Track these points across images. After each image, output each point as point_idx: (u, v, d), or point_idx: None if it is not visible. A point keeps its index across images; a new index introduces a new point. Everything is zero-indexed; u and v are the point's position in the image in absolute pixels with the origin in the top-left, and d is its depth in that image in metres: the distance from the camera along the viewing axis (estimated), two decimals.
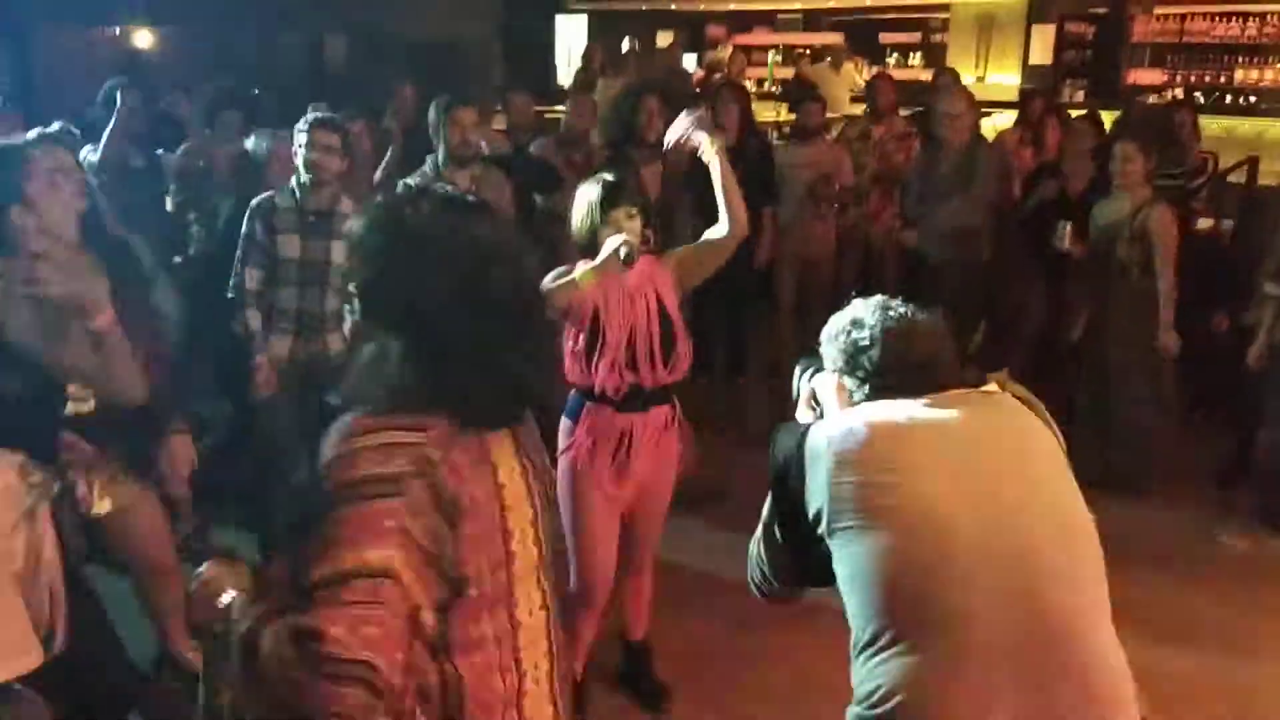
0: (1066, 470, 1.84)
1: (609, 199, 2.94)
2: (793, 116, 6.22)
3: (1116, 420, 4.86)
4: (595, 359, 2.95)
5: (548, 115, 7.50)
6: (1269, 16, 9.74)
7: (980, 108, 6.06)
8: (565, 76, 11.87)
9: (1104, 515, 4.79)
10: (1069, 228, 4.72)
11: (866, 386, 1.88)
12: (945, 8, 10.54)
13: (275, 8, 7.92)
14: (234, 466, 4.22)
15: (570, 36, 12.39)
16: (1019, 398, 1.88)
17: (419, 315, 1.54)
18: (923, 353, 1.87)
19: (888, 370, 1.86)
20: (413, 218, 1.59)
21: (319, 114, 3.88)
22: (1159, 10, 10.34)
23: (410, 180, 4.29)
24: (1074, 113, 6.61)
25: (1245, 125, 8.81)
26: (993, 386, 1.89)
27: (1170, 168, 5.45)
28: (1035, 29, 10.11)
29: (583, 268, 2.85)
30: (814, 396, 1.97)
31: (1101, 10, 10.65)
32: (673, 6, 11.89)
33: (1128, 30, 10.61)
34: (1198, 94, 10.01)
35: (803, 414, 1.99)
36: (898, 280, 6.02)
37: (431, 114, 4.41)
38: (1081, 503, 1.84)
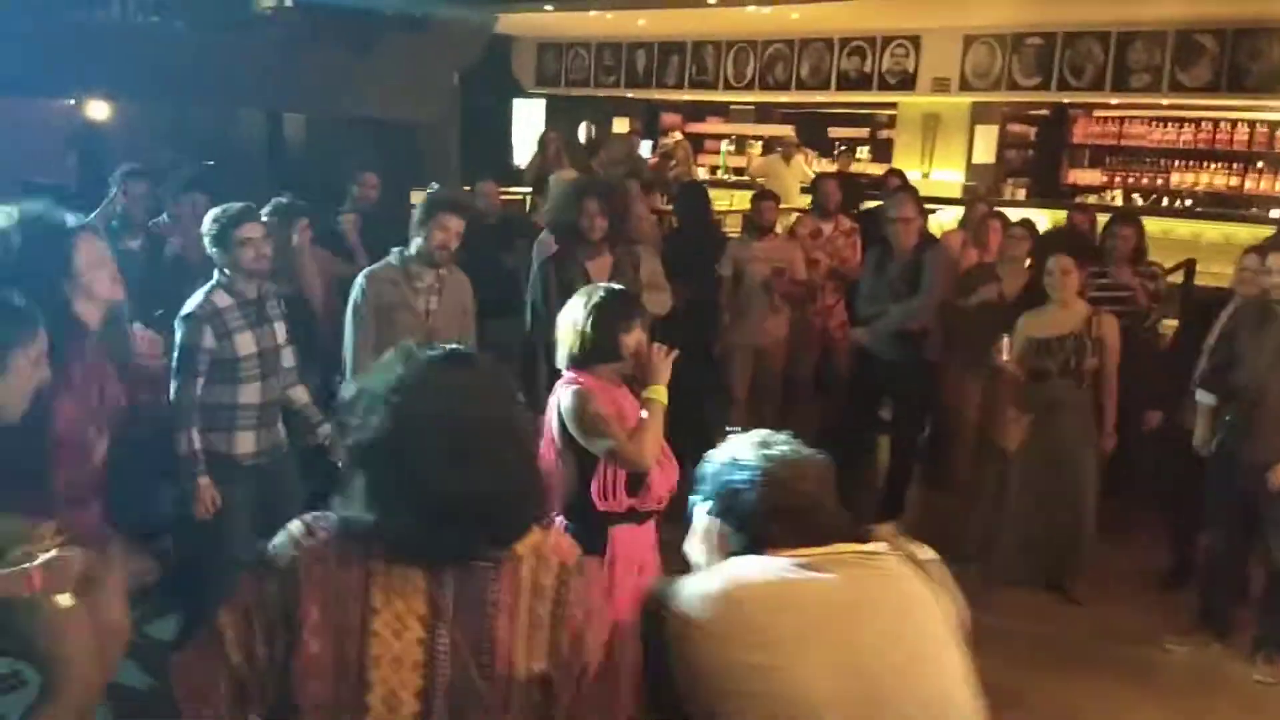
0: (951, 646, 1.71)
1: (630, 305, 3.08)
2: (745, 205, 6.39)
3: (1058, 527, 4.91)
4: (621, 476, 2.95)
5: (504, 196, 7.58)
6: (1203, 123, 10.17)
7: (925, 208, 6.24)
8: (522, 158, 12.03)
9: (1050, 620, 4.85)
10: (1008, 341, 4.82)
11: (742, 535, 1.74)
12: (892, 105, 10.84)
13: (233, 83, 7.93)
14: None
15: (528, 119, 12.58)
16: (908, 557, 1.75)
17: (393, 459, 1.51)
18: (803, 499, 1.73)
19: (765, 518, 1.71)
20: (411, 383, 1.54)
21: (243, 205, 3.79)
22: (1098, 114, 10.75)
23: (377, 269, 4.30)
24: (1014, 212, 6.82)
25: (1182, 227, 9.10)
26: (879, 545, 1.75)
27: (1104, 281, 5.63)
28: (979, 129, 10.43)
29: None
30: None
31: (1043, 112, 11.04)
32: (629, 94, 12.11)
33: (1068, 132, 11.02)
34: (1135, 195, 10.40)
35: (693, 548, 1.86)
36: (850, 378, 6.10)
37: (419, 211, 4.36)
38: (965, 682, 1.71)
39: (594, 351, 2.99)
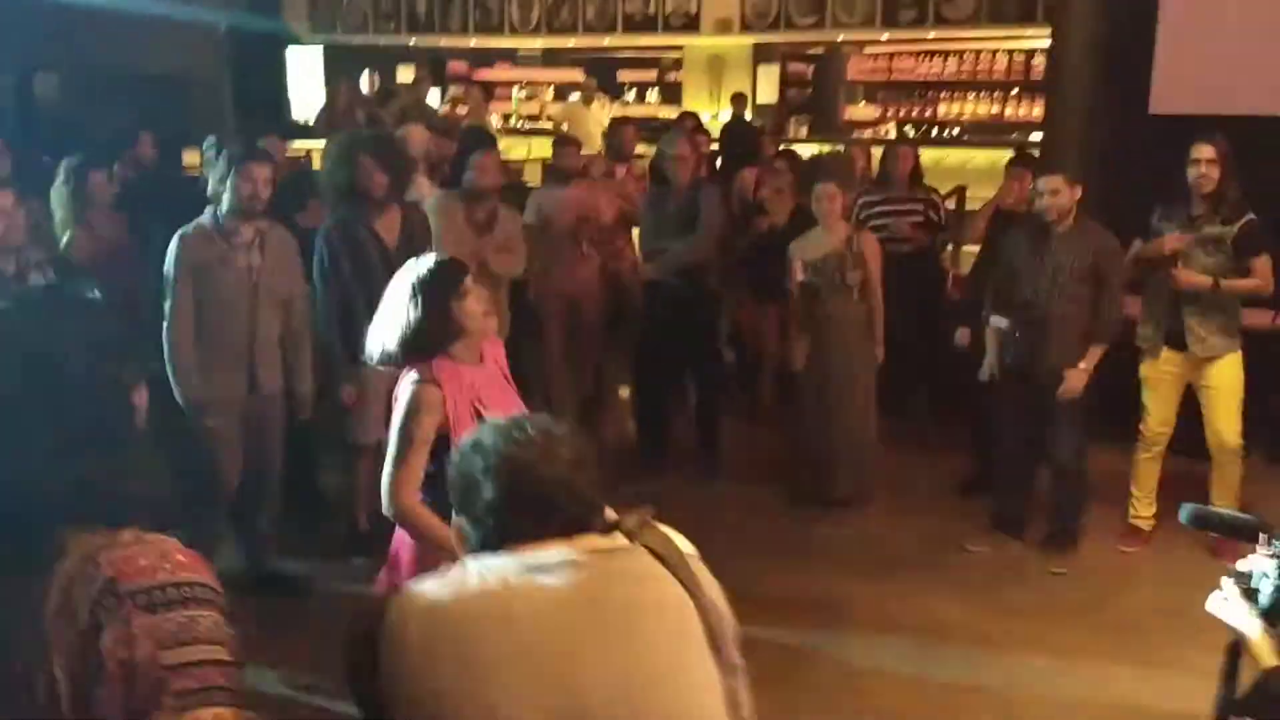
0: (696, 656, 1.53)
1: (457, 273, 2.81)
2: (544, 153, 6.34)
3: (845, 441, 5.20)
4: None
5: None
6: (965, 55, 10.75)
7: (703, 150, 6.40)
8: (300, 111, 11.48)
9: (856, 532, 5.09)
10: (800, 263, 5.08)
11: (478, 529, 1.56)
12: (679, 48, 10.96)
13: None
14: None
15: (304, 70, 11.99)
16: (654, 552, 1.57)
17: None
18: (546, 485, 1.54)
19: (501, 508, 1.54)
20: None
21: None
22: (869, 50, 11.20)
23: (189, 230, 4.08)
24: (801, 150, 7.10)
25: (951, 156, 9.65)
26: (622, 540, 1.57)
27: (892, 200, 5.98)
28: (761, 69, 10.70)
29: None
30: None
31: (819, 51, 11.41)
32: (412, 42, 11.74)
33: (843, 69, 11.44)
34: (908, 127, 10.92)
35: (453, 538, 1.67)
36: (646, 316, 6.20)
37: (221, 163, 4.15)
38: (710, 696, 1.54)
39: (427, 333, 2.74)
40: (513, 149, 9.81)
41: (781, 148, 6.86)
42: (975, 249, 6.33)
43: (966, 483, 5.39)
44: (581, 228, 5.84)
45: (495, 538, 1.54)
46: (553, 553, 1.50)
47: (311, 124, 9.87)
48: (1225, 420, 4.63)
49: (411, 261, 2.86)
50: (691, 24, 10.46)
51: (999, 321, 4.72)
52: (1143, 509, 4.87)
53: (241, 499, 4.36)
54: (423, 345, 2.74)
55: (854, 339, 5.12)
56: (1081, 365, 4.50)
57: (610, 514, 1.61)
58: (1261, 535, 1.82)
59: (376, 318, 2.84)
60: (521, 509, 1.53)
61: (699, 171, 5.87)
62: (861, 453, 5.22)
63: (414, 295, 2.74)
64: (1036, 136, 9.59)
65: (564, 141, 6.04)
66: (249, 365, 4.18)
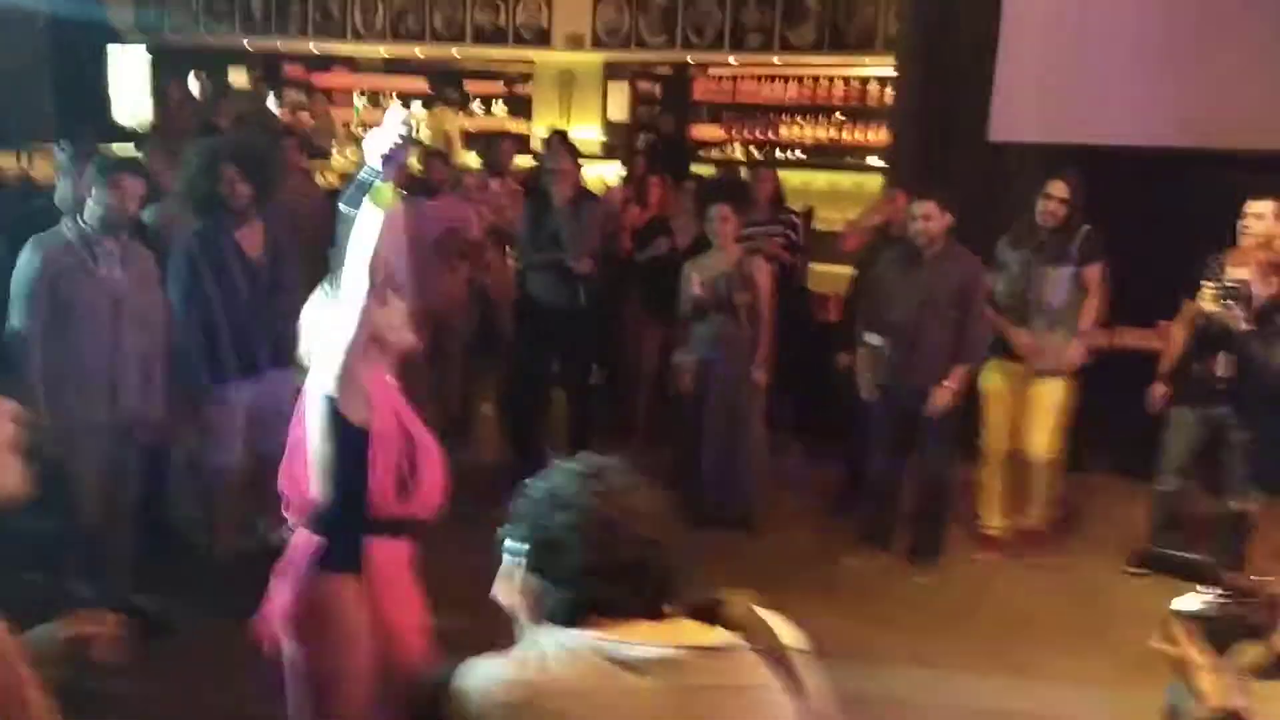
0: None
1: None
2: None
3: (735, 464, 5.26)
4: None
5: None
6: (804, 80, 11.09)
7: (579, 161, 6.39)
8: (121, 113, 10.81)
9: (739, 552, 5.17)
10: (696, 278, 5.12)
11: (561, 595, 1.42)
12: (529, 62, 10.89)
13: None
14: None
15: (127, 69, 11.31)
16: (766, 651, 1.44)
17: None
18: (637, 550, 1.42)
19: (593, 574, 1.41)
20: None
21: None
22: (713, 72, 11.40)
23: (47, 239, 3.81)
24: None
25: (794, 178, 9.92)
26: (729, 636, 1.42)
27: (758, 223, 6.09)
28: (611, 85, 10.74)
29: None
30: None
31: (666, 71, 11.55)
32: (245, 43, 11.23)
33: (690, 90, 11.61)
34: (751, 148, 11.18)
35: (502, 592, 1.54)
36: (516, 332, 6.11)
37: (90, 173, 3.90)
38: None
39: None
40: (355, 155, 9.50)
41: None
42: (832, 268, 6.54)
43: (838, 498, 5.53)
44: (449, 241, 5.74)
45: (577, 607, 1.39)
46: (648, 647, 1.35)
47: (140, 128, 9.33)
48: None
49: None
50: (542, 38, 10.40)
51: (872, 339, 4.86)
52: (994, 519, 5.11)
53: (97, 528, 4.06)
54: None
55: (740, 361, 5.15)
56: (947, 383, 4.69)
57: (709, 593, 1.47)
58: (1212, 576, 1.89)
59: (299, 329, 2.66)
60: (616, 576, 1.39)
61: (579, 184, 5.84)
62: (746, 473, 5.26)
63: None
64: (874, 160, 10.07)
65: (432, 154, 5.91)
66: (109, 385, 3.90)
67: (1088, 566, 4.96)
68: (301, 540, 2.59)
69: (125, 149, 8.01)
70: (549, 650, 1.37)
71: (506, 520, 1.55)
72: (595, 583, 1.39)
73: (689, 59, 10.56)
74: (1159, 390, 4.76)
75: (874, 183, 8.98)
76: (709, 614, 1.43)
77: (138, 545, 4.32)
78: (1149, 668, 2.64)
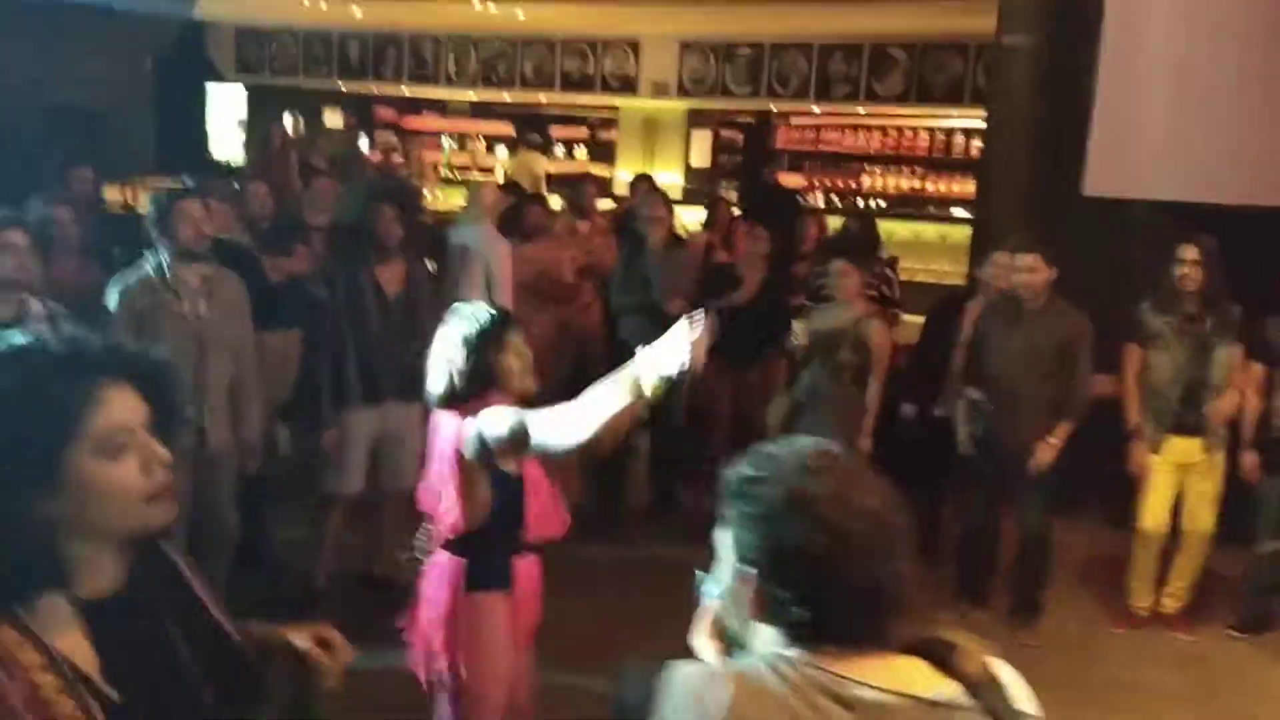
0: None
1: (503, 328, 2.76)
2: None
3: None
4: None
5: None
6: (888, 130, 11.09)
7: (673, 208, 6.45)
8: (219, 150, 11.17)
9: None
10: (801, 327, 5.07)
11: (795, 613, 1.27)
12: (614, 108, 11.05)
13: None
14: None
15: (225, 107, 11.70)
16: (994, 711, 1.29)
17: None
18: (880, 572, 1.27)
19: (836, 597, 1.26)
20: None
21: None
22: (795, 121, 11.46)
23: (130, 282, 3.86)
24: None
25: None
26: (949, 689, 1.28)
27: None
28: (694, 133, 10.86)
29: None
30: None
31: (749, 119, 11.64)
32: (340, 85, 11.55)
33: (771, 138, 11.68)
34: (833, 196, 11.18)
35: (699, 641, 1.46)
36: (605, 369, 6.14)
37: (149, 213, 3.92)
38: None
39: (470, 384, 2.70)
40: (448, 198, 9.72)
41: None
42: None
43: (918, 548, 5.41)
44: (541, 284, 5.81)
45: (806, 630, 1.26)
46: (866, 689, 1.23)
47: (236, 165, 9.62)
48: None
49: (466, 307, 2.83)
50: (629, 85, 10.55)
51: (972, 394, 4.78)
52: (1145, 597, 4.94)
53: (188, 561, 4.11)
54: (459, 393, 2.70)
55: (833, 418, 4.96)
56: (1051, 440, 4.59)
57: (938, 632, 1.33)
58: None
59: (429, 362, 2.79)
60: (859, 602, 1.25)
61: (673, 229, 5.89)
62: None
63: (461, 343, 2.72)
64: (958, 212, 10.00)
65: (530, 199, 6.03)
66: (196, 420, 3.95)
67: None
68: (445, 561, 2.77)
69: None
70: (764, 670, 1.26)
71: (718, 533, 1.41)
72: (835, 607, 1.26)
73: (773, 107, 10.62)
74: (1250, 460, 4.66)
75: (959, 233, 8.92)
76: (938, 657, 1.30)
77: (235, 574, 4.38)
78: None
